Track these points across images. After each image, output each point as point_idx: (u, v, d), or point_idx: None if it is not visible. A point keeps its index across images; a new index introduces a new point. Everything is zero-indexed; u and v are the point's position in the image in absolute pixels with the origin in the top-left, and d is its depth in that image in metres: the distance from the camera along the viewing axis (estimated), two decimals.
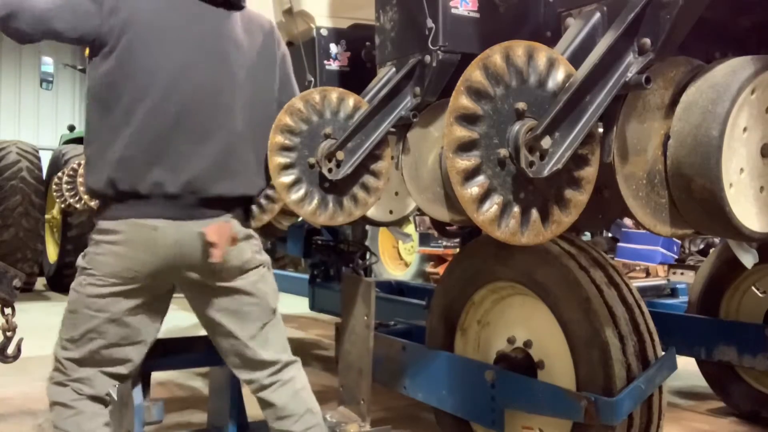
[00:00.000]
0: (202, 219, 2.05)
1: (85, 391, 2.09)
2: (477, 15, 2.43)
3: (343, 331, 2.86)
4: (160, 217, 2.00)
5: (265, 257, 2.24)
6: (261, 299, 2.19)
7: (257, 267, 2.19)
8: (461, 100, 1.79)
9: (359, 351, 2.75)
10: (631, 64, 1.89)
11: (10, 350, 2.56)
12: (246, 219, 2.22)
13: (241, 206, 2.19)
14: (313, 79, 3.09)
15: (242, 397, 2.77)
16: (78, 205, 6.39)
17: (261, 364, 2.20)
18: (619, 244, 8.08)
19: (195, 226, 2.04)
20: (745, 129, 1.88)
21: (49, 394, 2.11)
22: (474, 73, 1.79)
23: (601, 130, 1.98)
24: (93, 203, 5.23)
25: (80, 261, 2.08)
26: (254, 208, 3.25)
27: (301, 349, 5.66)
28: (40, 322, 6.81)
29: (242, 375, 2.24)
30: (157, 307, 2.16)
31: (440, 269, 7.82)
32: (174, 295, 2.25)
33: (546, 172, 1.79)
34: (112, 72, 2.00)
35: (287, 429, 2.21)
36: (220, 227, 2.05)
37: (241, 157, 2.16)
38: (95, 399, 2.10)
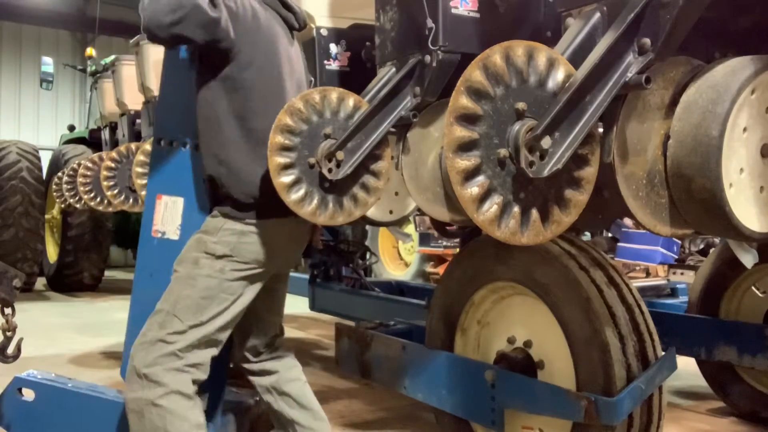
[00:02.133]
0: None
1: (197, 376, 2.18)
2: (477, 15, 2.43)
3: None
4: (288, 216, 2.26)
5: None
6: (288, 280, 2.63)
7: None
8: (461, 100, 1.79)
9: None
10: (631, 64, 1.89)
11: (10, 350, 2.56)
12: None
13: None
14: (313, 79, 3.09)
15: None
16: (78, 205, 6.40)
17: (277, 335, 2.57)
18: (619, 244, 8.08)
19: (306, 223, 2.37)
20: (745, 129, 1.88)
21: (167, 380, 2.12)
22: (474, 73, 1.80)
23: (601, 130, 1.98)
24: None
25: (217, 248, 2.21)
26: None
27: (301, 349, 5.66)
28: (40, 322, 6.82)
29: (265, 341, 2.53)
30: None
31: (440, 269, 7.82)
32: None
33: (546, 172, 1.79)
34: (247, 85, 2.24)
35: (297, 377, 2.55)
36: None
37: None
38: (200, 386, 2.21)
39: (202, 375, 2.20)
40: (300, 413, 2.46)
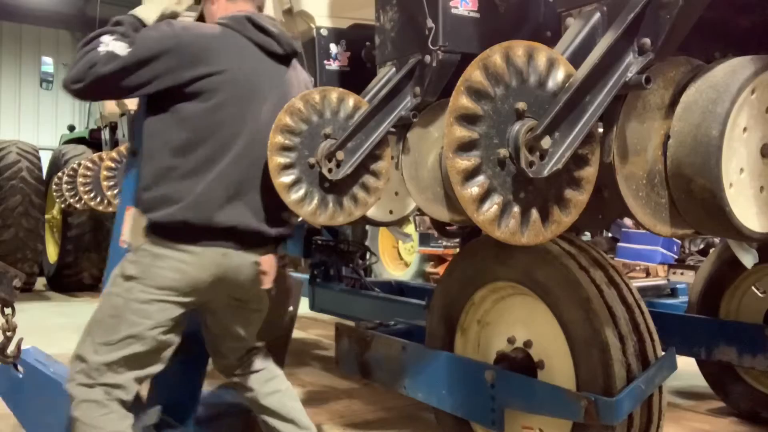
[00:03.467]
0: (254, 250, 2.24)
1: (115, 394, 2.11)
2: (477, 15, 2.43)
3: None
4: (229, 248, 2.17)
5: None
6: (263, 309, 2.46)
7: (263, 310, 2.48)
8: (461, 100, 1.79)
9: (278, 337, 3.01)
10: (631, 64, 1.89)
11: (10, 350, 2.56)
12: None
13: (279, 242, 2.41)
14: (313, 79, 3.09)
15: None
16: (78, 205, 6.41)
17: (250, 352, 2.48)
18: (619, 244, 8.09)
19: (253, 257, 2.24)
20: (745, 129, 1.88)
21: (76, 393, 2.10)
22: (474, 73, 1.79)
23: (601, 130, 1.98)
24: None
25: (129, 269, 2.14)
26: None
27: (301, 349, 5.66)
28: (40, 322, 6.82)
29: (235, 369, 2.47)
30: (184, 322, 2.26)
31: (440, 269, 7.82)
32: None
33: (546, 172, 1.79)
34: (198, 121, 2.13)
35: (275, 389, 2.46)
36: (271, 259, 2.29)
37: (272, 199, 2.28)
38: (124, 403, 2.13)
39: (123, 395, 2.12)
40: (282, 425, 2.43)
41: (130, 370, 2.12)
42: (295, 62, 2.42)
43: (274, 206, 2.25)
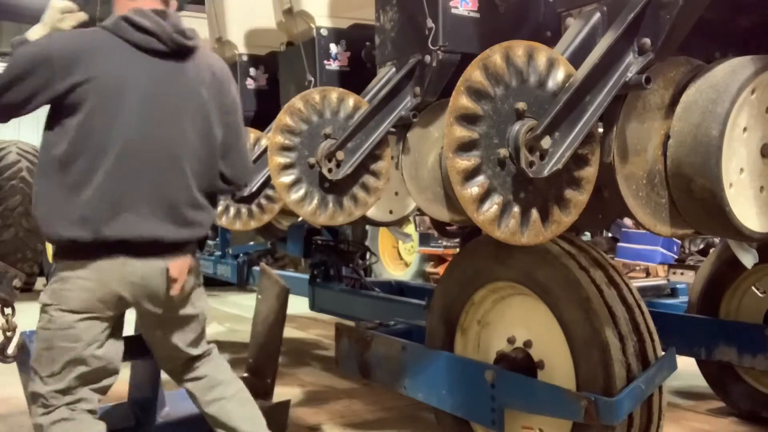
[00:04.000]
0: (164, 256, 2.15)
1: (79, 407, 2.12)
2: (477, 15, 2.43)
3: (258, 315, 3.13)
4: (127, 256, 2.09)
5: (201, 277, 2.36)
6: (200, 314, 2.34)
7: (197, 287, 2.32)
8: (461, 100, 1.79)
9: (271, 339, 3.03)
10: (631, 64, 1.89)
11: (10, 350, 2.56)
12: (197, 250, 2.34)
13: (196, 243, 2.30)
14: (313, 79, 3.09)
15: (162, 390, 2.89)
16: None
17: (192, 360, 2.38)
18: (619, 244, 8.08)
19: (160, 263, 2.14)
20: (745, 129, 1.88)
21: (42, 422, 2.09)
22: (474, 73, 1.79)
23: (601, 130, 1.98)
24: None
25: (43, 298, 2.12)
26: (254, 208, 3.28)
27: (301, 349, 5.66)
28: None
29: (180, 374, 2.40)
30: (119, 326, 2.26)
31: (440, 269, 7.82)
32: None
33: (546, 172, 1.79)
34: (74, 132, 2.03)
35: (220, 395, 2.36)
36: (181, 264, 2.18)
37: (195, 206, 2.20)
38: (91, 413, 2.15)
39: (88, 406, 2.13)
40: None
41: (84, 389, 2.13)
42: (198, 54, 2.20)
43: (173, 211, 2.14)
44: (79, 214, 2.02)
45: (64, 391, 2.10)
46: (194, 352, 2.37)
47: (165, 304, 2.20)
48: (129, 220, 2.06)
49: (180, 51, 2.14)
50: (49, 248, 9.65)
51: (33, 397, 2.13)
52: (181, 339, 2.32)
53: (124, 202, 2.06)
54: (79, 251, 2.07)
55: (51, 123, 2.07)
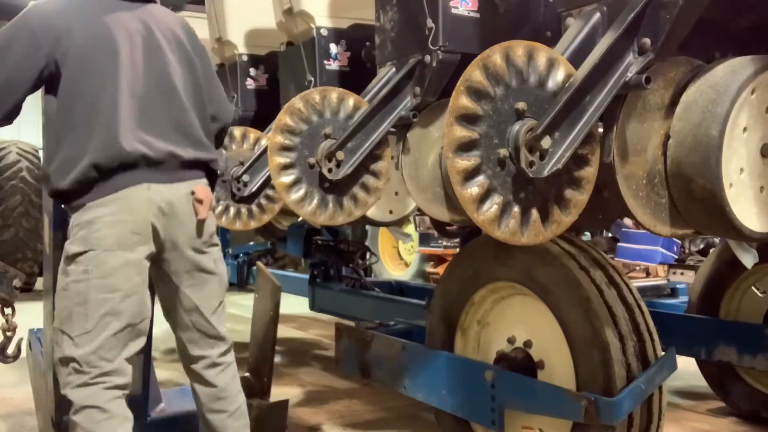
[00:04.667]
0: (185, 181, 2.16)
1: (113, 382, 2.05)
2: (477, 15, 2.43)
3: (255, 314, 3.13)
4: (150, 181, 2.09)
5: (218, 240, 2.34)
6: (220, 277, 2.30)
7: (216, 245, 2.30)
8: (461, 100, 1.79)
9: (266, 337, 3.02)
10: (631, 64, 1.89)
11: (10, 350, 2.56)
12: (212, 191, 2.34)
13: (207, 176, 2.28)
14: (313, 79, 3.10)
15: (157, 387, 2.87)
16: None
17: (216, 340, 2.31)
18: (619, 244, 8.08)
19: (183, 188, 2.15)
20: (745, 129, 1.88)
21: (76, 398, 2.03)
22: (474, 73, 1.80)
23: (601, 130, 1.98)
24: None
25: (72, 248, 2.06)
26: (254, 208, 3.28)
27: (301, 349, 5.66)
28: (39, 323, 6.82)
29: (196, 350, 2.30)
30: (148, 288, 2.20)
31: (440, 269, 7.81)
32: None
33: (546, 172, 1.79)
34: (70, 77, 2.08)
35: (223, 409, 2.32)
36: (204, 189, 2.20)
37: (198, 128, 2.24)
38: (124, 389, 2.09)
39: (120, 379, 2.06)
40: None
41: (117, 352, 2.06)
42: (159, 4, 2.35)
43: (183, 130, 2.19)
44: (95, 142, 2.04)
45: (97, 353, 2.03)
46: (217, 326, 2.30)
47: (192, 237, 2.18)
48: (144, 137, 2.09)
49: None
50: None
51: (63, 362, 2.06)
52: (203, 300, 2.26)
53: (137, 123, 2.10)
54: (99, 184, 2.05)
55: (50, 84, 2.11)
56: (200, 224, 2.18)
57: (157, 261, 2.19)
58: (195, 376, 2.33)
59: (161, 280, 2.25)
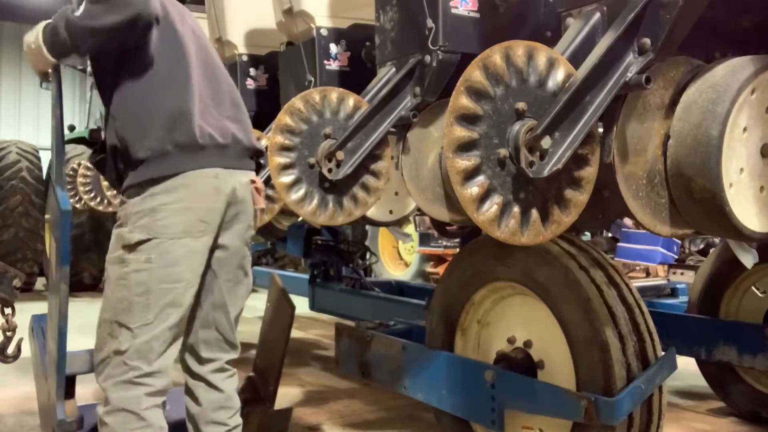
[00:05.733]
0: (244, 169, 2.17)
1: (155, 385, 1.99)
2: (477, 15, 2.43)
3: (265, 322, 3.11)
4: (217, 166, 2.06)
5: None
6: (249, 281, 2.28)
7: (250, 246, 2.28)
8: (461, 100, 1.79)
9: (275, 351, 2.99)
10: (631, 64, 1.89)
11: (10, 350, 2.56)
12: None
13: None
14: (313, 79, 3.10)
15: None
16: (78, 205, 6.40)
17: (230, 346, 2.27)
18: (619, 244, 8.08)
19: (243, 176, 2.15)
20: (745, 129, 1.88)
21: (115, 397, 1.96)
22: (474, 73, 1.79)
23: (601, 130, 1.98)
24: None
25: (133, 237, 1.98)
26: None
27: (301, 349, 5.66)
28: None
29: (208, 353, 2.23)
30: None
31: (440, 269, 7.82)
32: None
33: (546, 172, 1.79)
34: (150, 47, 2.05)
35: (223, 421, 2.23)
36: (259, 180, 2.22)
37: (244, 112, 2.26)
38: (163, 395, 2.03)
39: (162, 381, 2.01)
40: None
41: (166, 346, 2.01)
42: None
43: (237, 116, 2.19)
44: (171, 113, 2.01)
45: (150, 345, 1.97)
46: (234, 335, 2.26)
47: (248, 229, 2.19)
48: (212, 120, 2.09)
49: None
50: (50, 248, 9.64)
51: (116, 353, 1.98)
52: (232, 300, 2.22)
53: (207, 104, 2.10)
54: (169, 164, 1.99)
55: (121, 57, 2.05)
56: (256, 215, 2.20)
57: (216, 247, 2.14)
58: (198, 379, 2.23)
59: (209, 271, 2.17)
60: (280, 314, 3.04)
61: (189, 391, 2.26)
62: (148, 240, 1.98)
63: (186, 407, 2.27)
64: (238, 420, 2.28)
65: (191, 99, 2.05)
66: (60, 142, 2.12)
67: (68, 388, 2.47)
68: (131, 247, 1.99)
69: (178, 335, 2.06)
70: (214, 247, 2.13)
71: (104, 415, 1.98)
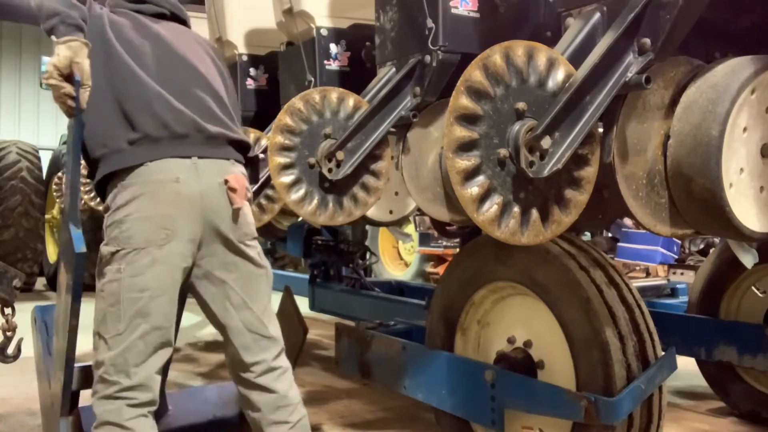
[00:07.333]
0: (213, 158, 2.10)
1: (140, 398, 1.99)
2: (477, 15, 2.43)
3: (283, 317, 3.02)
4: (173, 156, 2.04)
5: (252, 225, 2.28)
6: (267, 271, 2.23)
7: (257, 238, 2.23)
8: (461, 100, 1.79)
9: (290, 345, 2.88)
10: (631, 64, 1.89)
11: (10, 350, 2.57)
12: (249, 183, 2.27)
13: (242, 162, 2.22)
14: (313, 79, 3.10)
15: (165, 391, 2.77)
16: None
17: (269, 342, 2.21)
18: (619, 244, 8.08)
19: (214, 176, 2.08)
20: (745, 129, 1.88)
21: (99, 411, 1.99)
22: (474, 73, 1.80)
23: (601, 130, 1.98)
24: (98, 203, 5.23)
25: (105, 249, 2.05)
26: (254, 207, 3.28)
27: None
28: None
29: (250, 357, 2.19)
30: (178, 294, 2.12)
31: (440, 269, 7.82)
32: None
33: (546, 172, 1.79)
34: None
35: (284, 420, 2.20)
36: (237, 177, 2.12)
37: (222, 109, 2.22)
38: (150, 406, 2.02)
39: (145, 395, 1.99)
40: None
41: (144, 358, 2.00)
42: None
43: (205, 109, 2.16)
44: (138, 109, 2.06)
45: (125, 357, 1.97)
46: (271, 329, 2.21)
47: (231, 227, 2.11)
48: (170, 107, 2.08)
49: (178, 16, 2.35)
50: (50, 248, 9.67)
51: (96, 366, 2.02)
52: (252, 295, 2.17)
53: (161, 91, 2.10)
54: (124, 160, 2.03)
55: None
56: (236, 213, 2.11)
57: (200, 258, 2.11)
58: (250, 386, 2.20)
59: (207, 279, 2.14)
60: (289, 337, 2.98)
61: (245, 400, 2.23)
62: (118, 251, 2.02)
63: (246, 413, 2.26)
64: (300, 413, 2.25)
65: (139, 102, 2.07)
66: (76, 180, 2.08)
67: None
68: (107, 260, 2.05)
69: (156, 346, 2.03)
70: (202, 256, 2.11)
71: (93, 429, 2.00)
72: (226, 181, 2.09)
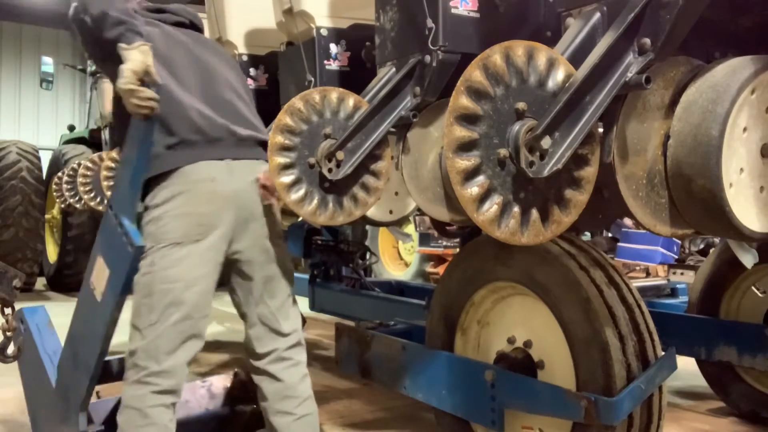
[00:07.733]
0: (245, 159, 2.28)
1: (164, 385, 2.08)
2: (477, 15, 2.43)
3: None
4: (209, 159, 2.18)
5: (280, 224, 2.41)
6: (288, 271, 2.37)
7: (282, 238, 2.38)
8: (461, 100, 1.79)
9: None
10: (631, 64, 1.89)
11: (10, 350, 2.57)
12: None
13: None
14: (313, 79, 3.10)
15: None
16: (78, 205, 6.39)
17: (281, 336, 2.34)
18: (619, 244, 8.08)
19: (246, 175, 2.25)
20: (745, 129, 1.88)
21: (125, 396, 2.09)
22: (474, 73, 1.79)
23: (601, 130, 1.98)
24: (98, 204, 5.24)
25: (146, 247, 2.13)
26: None
27: None
28: None
29: (261, 347, 2.33)
30: (213, 286, 2.22)
31: (440, 269, 7.81)
32: None
33: (546, 172, 1.79)
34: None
35: (289, 410, 2.32)
36: (268, 176, 2.29)
37: (250, 112, 2.42)
38: (173, 395, 2.10)
39: (169, 381, 2.08)
40: None
41: (174, 346, 2.09)
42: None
43: (236, 113, 2.34)
44: (171, 120, 2.17)
45: (157, 344, 2.07)
46: (284, 325, 2.33)
47: (262, 224, 2.27)
48: (202, 118, 2.22)
49: (196, 25, 2.54)
50: (50, 248, 9.66)
51: (129, 355, 2.12)
52: (269, 293, 2.31)
53: (196, 99, 2.25)
54: (169, 169, 2.14)
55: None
56: (267, 209, 2.28)
57: (231, 253, 2.24)
58: (260, 373, 2.34)
59: (238, 274, 2.30)
60: None
61: (258, 390, 2.37)
62: (152, 247, 2.12)
63: (260, 405, 2.38)
64: (309, 408, 2.36)
65: (182, 103, 2.21)
66: (137, 178, 2.14)
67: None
68: (144, 257, 2.13)
69: (187, 336, 2.13)
70: (234, 251, 2.24)
71: (119, 414, 2.10)
72: (257, 180, 2.27)
